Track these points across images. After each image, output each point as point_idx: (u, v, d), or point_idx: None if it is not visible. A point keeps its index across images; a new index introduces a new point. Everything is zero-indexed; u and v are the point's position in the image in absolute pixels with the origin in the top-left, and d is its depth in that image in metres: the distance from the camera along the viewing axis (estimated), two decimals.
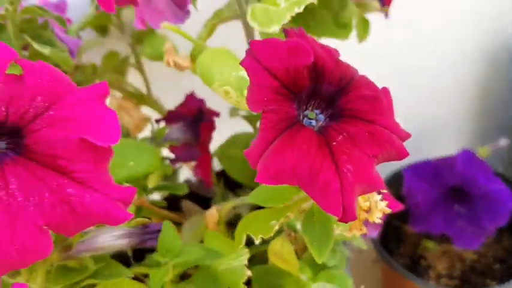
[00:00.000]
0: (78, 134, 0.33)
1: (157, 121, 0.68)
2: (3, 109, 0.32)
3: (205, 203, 0.70)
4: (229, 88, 0.38)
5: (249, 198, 0.40)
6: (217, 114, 0.63)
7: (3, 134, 0.33)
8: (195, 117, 0.63)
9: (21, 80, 0.33)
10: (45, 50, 0.48)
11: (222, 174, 0.75)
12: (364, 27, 0.68)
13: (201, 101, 0.63)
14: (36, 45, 0.48)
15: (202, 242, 0.56)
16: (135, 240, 0.43)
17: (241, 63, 0.31)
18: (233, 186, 0.74)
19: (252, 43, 0.30)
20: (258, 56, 0.30)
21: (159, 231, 0.44)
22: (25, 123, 0.33)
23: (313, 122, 0.34)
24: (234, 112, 0.77)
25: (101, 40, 0.75)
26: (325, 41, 0.56)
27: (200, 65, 0.40)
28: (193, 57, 0.47)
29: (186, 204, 0.64)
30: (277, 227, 0.40)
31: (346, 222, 0.31)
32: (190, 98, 0.64)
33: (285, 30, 0.32)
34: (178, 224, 0.59)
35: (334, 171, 0.31)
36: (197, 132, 0.63)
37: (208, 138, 0.62)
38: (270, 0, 0.43)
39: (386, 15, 0.72)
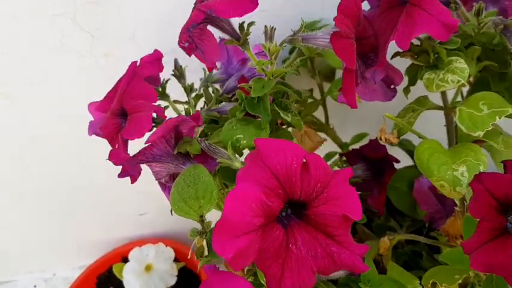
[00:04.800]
0: (342, 210, 0.49)
1: (341, 155, 0.83)
2: (299, 192, 0.48)
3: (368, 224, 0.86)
4: (445, 183, 0.51)
5: (441, 257, 0.54)
6: (397, 161, 0.77)
7: (292, 205, 0.49)
8: (377, 160, 0.77)
9: (307, 170, 0.49)
10: (287, 118, 0.64)
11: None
12: None
13: (385, 148, 0.77)
14: (282, 113, 0.64)
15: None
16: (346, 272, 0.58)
17: (471, 184, 0.44)
18: (394, 212, 0.88)
19: (482, 175, 0.43)
20: (486, 183, 0.43)
21: None
22: (309, 201, 0.49)
23: None
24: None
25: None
26: None
27: (419, 159, 0.54)
28: (399, 135, 0.61)
29: (361, 229, 0.80)
30: (460, 281, 0.54)
31: None
32: (375, 142, 0.78)
33: (506, 164, 0.44)
34: None
35: None
36: (377, 173, 0.77)
37: (388, 181, 0.76)
38: (473, 105, 0.55)
39: None
